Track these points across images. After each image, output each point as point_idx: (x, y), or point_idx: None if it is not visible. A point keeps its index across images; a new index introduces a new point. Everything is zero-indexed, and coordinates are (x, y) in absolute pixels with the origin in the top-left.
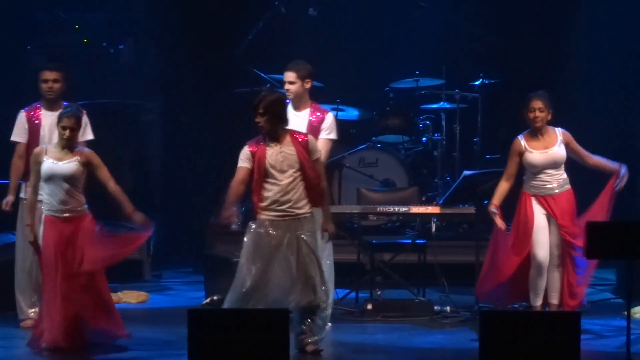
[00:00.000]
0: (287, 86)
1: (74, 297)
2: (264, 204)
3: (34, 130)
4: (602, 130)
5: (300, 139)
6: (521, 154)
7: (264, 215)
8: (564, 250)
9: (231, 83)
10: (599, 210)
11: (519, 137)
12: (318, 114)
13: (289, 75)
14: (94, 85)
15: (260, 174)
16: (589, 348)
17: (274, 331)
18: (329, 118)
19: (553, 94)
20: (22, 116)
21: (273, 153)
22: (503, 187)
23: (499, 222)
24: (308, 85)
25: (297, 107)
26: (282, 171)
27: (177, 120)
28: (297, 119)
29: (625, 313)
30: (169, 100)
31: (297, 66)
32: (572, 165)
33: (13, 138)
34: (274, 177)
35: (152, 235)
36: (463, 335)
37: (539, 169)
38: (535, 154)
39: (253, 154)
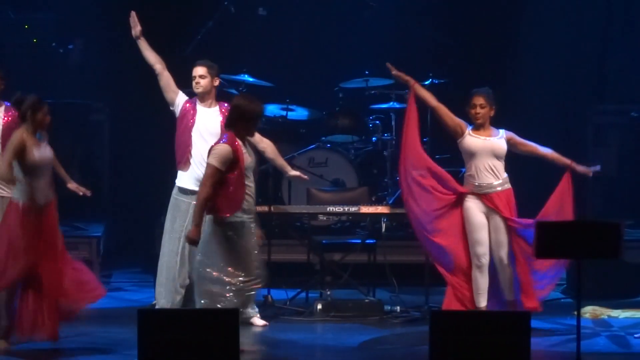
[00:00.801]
0: (197, 80)
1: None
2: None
3: None
4: (547, 128)
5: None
6: (462, 132)
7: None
8: (513, 248)
9: (180, 83)
10: (562, 207)
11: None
12: (228, 107)
13: (200, 70)
14: (43, 85)
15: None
16: (539, 348)
17: (224, 330)
18: None
19: (502, 92)
20: None
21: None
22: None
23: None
24: (217, 83)
25: (206, 103)
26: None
27: (125, 120)
28: (208, 115)
29: (575, 313)
30: (117, 100)
31: (208, 62)
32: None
33: None
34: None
35: (102, 235)
36: (413, 335)
37: (476, 157)
38: (473, 138)
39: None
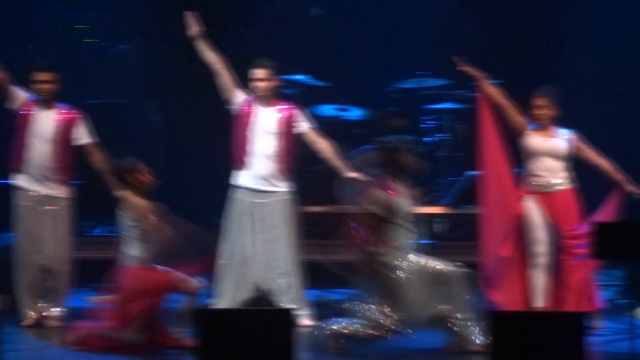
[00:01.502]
0: (257, 83)
1: None
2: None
3: (24, 118)
4: (605, 129)
5: None
6: (523, 132)
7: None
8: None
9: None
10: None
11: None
12: (285, 107)
13: (260, 73)
14: (95, 86)
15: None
16: (594, 348)
17: (280, 330)
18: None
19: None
20: (23, 95)
21: None
22: None
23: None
24: (276, 83)
25: (265, 103)
26: None
27: (179, 120)
28: (266, 114)
29: (630, 314)
30: (170, 101)
31: (268, 63)
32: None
33: None
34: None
35: None
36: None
37: (535, 157)
38: (535, 138)
39: None
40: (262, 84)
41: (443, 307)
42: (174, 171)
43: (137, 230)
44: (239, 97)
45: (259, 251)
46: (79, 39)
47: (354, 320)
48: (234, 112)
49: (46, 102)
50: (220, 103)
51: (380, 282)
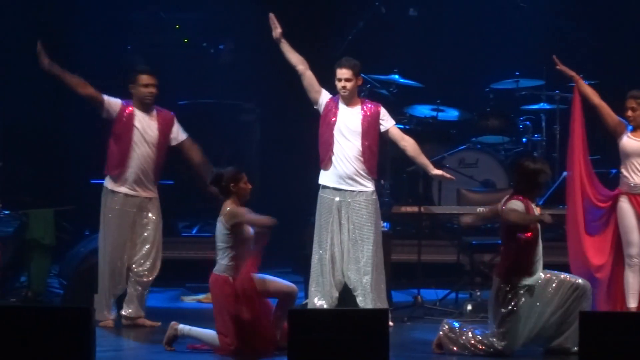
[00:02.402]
0: (344, 83)
1: None
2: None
3: (125, 124)
4: None
5: None
6: (621, 132)
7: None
8: None
9: (331, 84)
10: None
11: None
12: (370, 106)
13: (345, 73)
14: (194, 85)
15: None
16: None
17: (373, 330)
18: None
19: None
20: (118, 102)
21: None
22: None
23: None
24: (360, 82)
25: (349, 101)
26: None
27: (275, 120)
28: (350, 113)
29: None
30: (267, 101)
31: (351, 62)
32: None
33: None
34: None
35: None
36: None
37: (630, 158)
38: (630, 140)
39: None
40: (346, 84)
41: (559, 340)
42: (270, 171)
43: (232, 238)
44: (324, 97)
45: (346, 250)
46: (179, 38)
47: (472, 330)
48: (320, 112)
49: (146, 105)
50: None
51: (505, 307)
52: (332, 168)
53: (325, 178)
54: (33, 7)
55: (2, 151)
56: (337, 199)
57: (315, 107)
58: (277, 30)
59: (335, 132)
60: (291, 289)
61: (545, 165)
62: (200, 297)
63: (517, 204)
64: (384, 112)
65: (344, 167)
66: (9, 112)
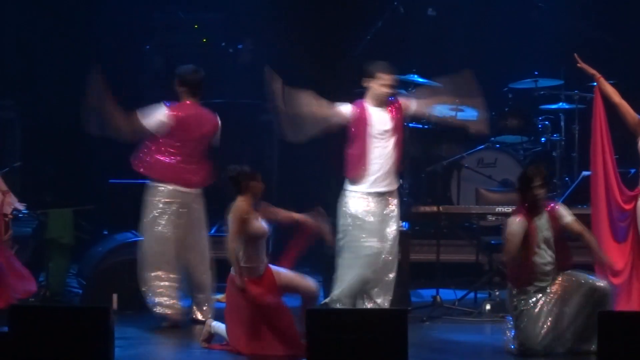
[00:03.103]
0: (388, 89)
1: None
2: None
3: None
4: None
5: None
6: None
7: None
8: None
9: (350, 83)
10: None
11: None
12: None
13: (394, 80)
14: (213, 85)
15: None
16: None
17: (392, 330)
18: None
19: None
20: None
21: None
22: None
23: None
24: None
25: (379, 103)
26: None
27: None
28: (379, 114)
29: None
30: None
31: (393, 69)
32: None
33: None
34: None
35: (270, 235)
36: None
37: None
38: None
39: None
40: (390, 91)
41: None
42: (289, 170)
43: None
44: (346, 110)
45: (380, 248)
46: (198, 38)
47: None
48: (350, 121)
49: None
50: (334, 100)
51: (515, 309)
52: (367, 170)
53: (360, 179)
54: (53, 7)
55: (22, 151)
56: (370, 199)
57: (347, 124)
58: (276, 84)
59: (368, 137)
60: (313, 286)
61: (540, 170)
62: (219, 296)
63: (513, 226)
64: (403, 99)
65: (379, 167)
66: (30, 111)
